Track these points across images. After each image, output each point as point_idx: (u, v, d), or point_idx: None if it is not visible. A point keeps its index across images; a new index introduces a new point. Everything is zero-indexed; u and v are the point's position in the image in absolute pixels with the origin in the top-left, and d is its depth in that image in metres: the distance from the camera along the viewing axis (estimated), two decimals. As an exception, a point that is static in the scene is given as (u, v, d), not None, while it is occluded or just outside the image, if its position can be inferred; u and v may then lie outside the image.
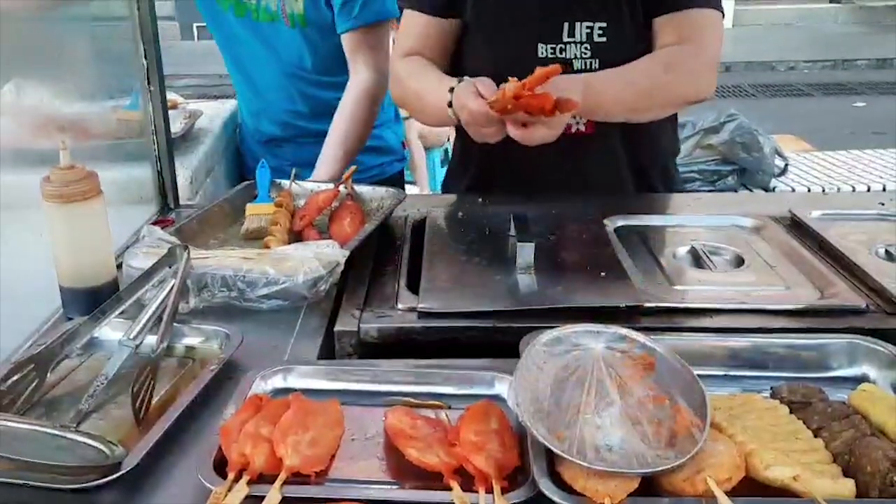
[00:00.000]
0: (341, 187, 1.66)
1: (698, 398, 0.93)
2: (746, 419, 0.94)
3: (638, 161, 1.80)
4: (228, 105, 2.65)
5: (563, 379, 0.96)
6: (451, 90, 1.51)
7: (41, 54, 1.58)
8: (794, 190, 3.26)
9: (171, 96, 2.50)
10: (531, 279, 1.36)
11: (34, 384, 1.04)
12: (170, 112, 1.96)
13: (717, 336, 1.17)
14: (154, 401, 1.04)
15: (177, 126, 2.19)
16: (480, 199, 1.77)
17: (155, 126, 1.72)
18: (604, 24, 1.60)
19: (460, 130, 1.73)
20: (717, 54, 1.64)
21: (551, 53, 1.63)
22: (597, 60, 1.62)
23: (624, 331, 1.06)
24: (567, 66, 1.60)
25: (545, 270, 1.38)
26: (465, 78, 1.52)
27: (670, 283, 1.38)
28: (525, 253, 1.38)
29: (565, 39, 1.62)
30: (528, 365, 0.99)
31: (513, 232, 1.48)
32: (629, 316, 1.25)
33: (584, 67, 1.62)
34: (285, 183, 1.72)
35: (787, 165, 3.32)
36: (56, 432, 0.94)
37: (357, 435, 0.98)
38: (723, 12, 1.63)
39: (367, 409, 1.03)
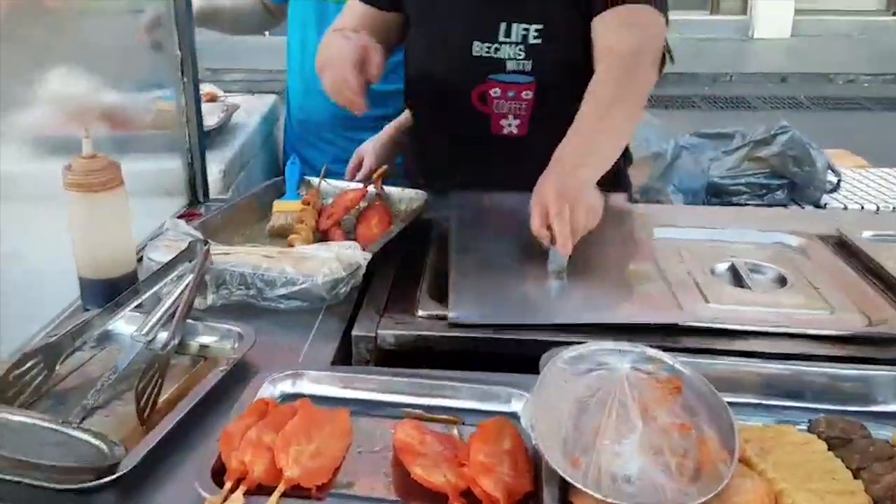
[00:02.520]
0: (370, 187, 1.63)
1: (727, 428, 0.87)
2: (779, 454, 0.87)
3: None
4: (267, 100, 2.64)
5: (584, 400, 0.91)
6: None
7: (83, 44, 1.58)
8: (846, 207, 3.12)
9: (209, 89, 2.51)
10: (562, 285, 1.31)
11: (43, 375, 1.02)
12: (208, 105, 1.95)
13: (752, 361, 1.10)
14: (161, 399, 1.01)
15: (213, 119, 2.18)
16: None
17: (187, 118, 1.70)
18: (540, 27, 1.58)
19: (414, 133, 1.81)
20: (657, 47, 1.54)
21: (486, 52, 1.61)
22: (530, 62, 1.60)
23: (651, 351, 1.01)
24: (500, 66, 1.60)
25: (577, 276, 1.32)
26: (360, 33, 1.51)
27: (706, 301, 1.31)
28: (557, 257, 1.32)
29: (501, 39, 1.60)
30: (548, 383, 0.93)
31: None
32: (661, 334, 1.19)
33: (517, 69, 1.61)
34: (315, 181, 1.69)
35: (839, 181, 3.19)
36: (56, 427, 0.92)
37: (364, 447, 0.94)
38: (666, 17, 1.55)
39: (377, 420, 0.99)
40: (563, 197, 1.29)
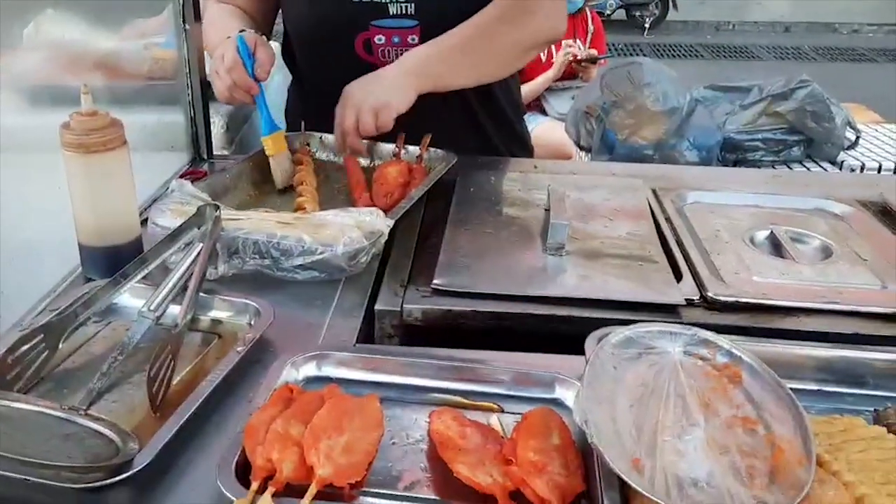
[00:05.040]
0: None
1: (797, 423, 0.80)
2: (850, 451, 0.80)
3: (471, 114, 1.67)
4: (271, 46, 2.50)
5: (638, 391, 0.84)
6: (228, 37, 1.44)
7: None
8: (863, 165, 3.05)
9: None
10: (565, 261, 1.24)
11: (44, 356, 0.94)
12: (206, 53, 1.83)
13: (806, 343, 1.02)
14: (174, 382, 0.93)
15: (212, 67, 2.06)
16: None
17: (189, 68, 1.59)
18: None
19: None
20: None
21: None
22: (413, 5, 1.51)
23: (705, 333, 0.93)
24: (382, 10, 1.52)
25: (584, 253, 1.27)
26: (246, 31, 1.44)
27: (748, 274, 1.23)
28: (557, 232, 1.26)
29: None
30: (597, 371, 0.86)
31: (547, 206, 1.36)
32: (694, 312, 1.12)
33: (399, 12, 1.52)
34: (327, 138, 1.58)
35: (858, 138, 3.10)
36: (63, 416, 0.84)
37: (398, 438, 0.87)
38: None
39: (409, 406, 0.92)
40: (354, 103, 1.41)
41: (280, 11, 1.68)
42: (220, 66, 1.42)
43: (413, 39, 1.52)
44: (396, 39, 1.53)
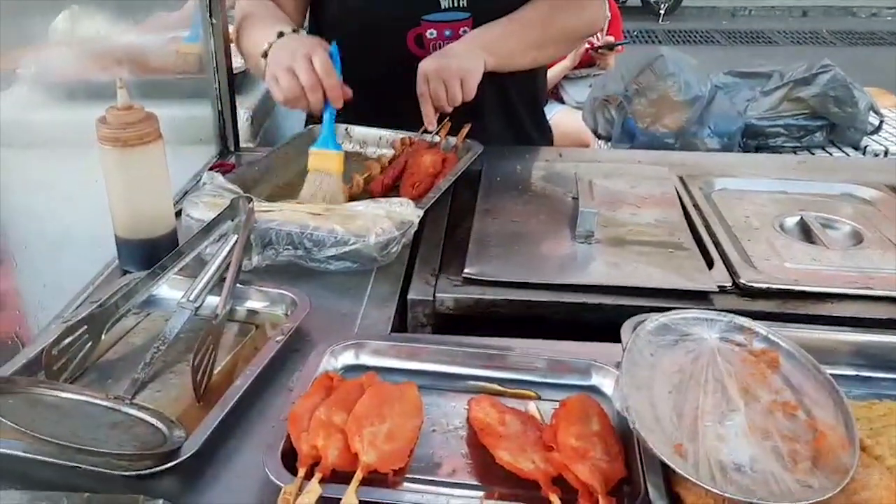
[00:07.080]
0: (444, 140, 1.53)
1: (838, 408, 0.80)
2: (892, 435, 0.80)
3: (506, 99, 1.68)
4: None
5: (676, 377, 0.84)
6: (280, 34, 1.40)
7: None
8: (887, 150, 3.01)
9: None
10: (595, 249, 1.25)
11: (87, 346, 0.96)
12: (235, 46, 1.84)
13: (841, 328, 1.02)
14: (215, 371, 0.95)
15: (238, 61, 2.07)
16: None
17: (216, 62, 1.60)
18: None
19: None
20: None
21: None
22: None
23: (741, 319, 0.93)
24: (434, 4, 1.52)
25: (613, 240, 1.27)
26: (294, 31, 1.42)
27: (780, 260, 1.23)
28: (586, 220, 1.26)
29: None
30: (635, 358, 0.86)
31: (574, 193, 1.36)
32: (727, 299, 1.12)
33: (451, 6, 1.52)
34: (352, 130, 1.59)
35: (881, 122, 3.06)
36: (109, 405, 0.86)
37: (437, 426, 0.88)
38: None
39: (446, 394, 0.93)
40: (439, 73, 1.39)
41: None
42: (303, 65, 1.32)
43: (465, 32, 1.52)
44: (448, 33, 1.53)
